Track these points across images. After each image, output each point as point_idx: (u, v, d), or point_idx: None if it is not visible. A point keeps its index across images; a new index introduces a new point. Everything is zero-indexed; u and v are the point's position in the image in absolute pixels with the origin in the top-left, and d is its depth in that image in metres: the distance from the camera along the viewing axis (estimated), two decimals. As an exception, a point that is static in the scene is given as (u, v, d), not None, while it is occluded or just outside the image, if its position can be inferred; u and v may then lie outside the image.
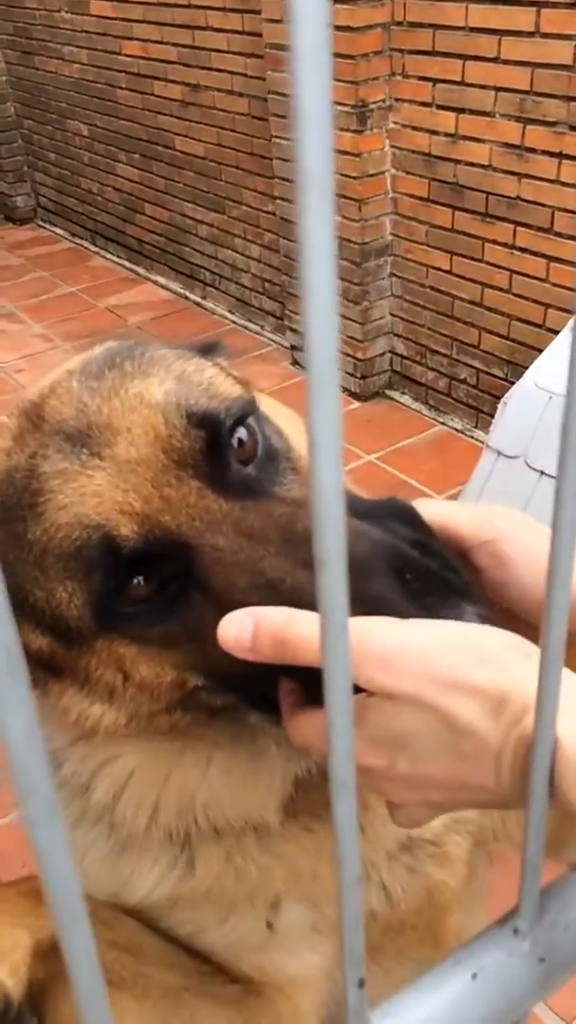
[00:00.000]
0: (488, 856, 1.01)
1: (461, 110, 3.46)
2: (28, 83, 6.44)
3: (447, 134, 3.56)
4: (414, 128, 3.70)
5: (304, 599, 0.53)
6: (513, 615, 0.64)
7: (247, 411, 0.68)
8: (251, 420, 0.68)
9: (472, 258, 3.66)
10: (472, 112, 3.41)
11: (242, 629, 0.53)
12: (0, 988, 0.61)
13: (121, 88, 5.42)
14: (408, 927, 0.90)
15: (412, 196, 3.84)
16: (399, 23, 3.55)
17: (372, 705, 0.50)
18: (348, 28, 3.54)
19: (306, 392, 0.24)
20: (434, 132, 3.61)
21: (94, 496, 0.62)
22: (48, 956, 0.67)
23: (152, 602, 0.63)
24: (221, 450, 0.65)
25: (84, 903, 0.26)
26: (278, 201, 4.37)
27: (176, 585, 0.63)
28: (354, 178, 3.85)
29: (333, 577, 0.27)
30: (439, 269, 3.84)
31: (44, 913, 0.72)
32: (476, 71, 3.32)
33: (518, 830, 0.94)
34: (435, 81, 3.52)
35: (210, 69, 4.62)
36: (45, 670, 0.70)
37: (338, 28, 3.58)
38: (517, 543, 0.63)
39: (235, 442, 0.67)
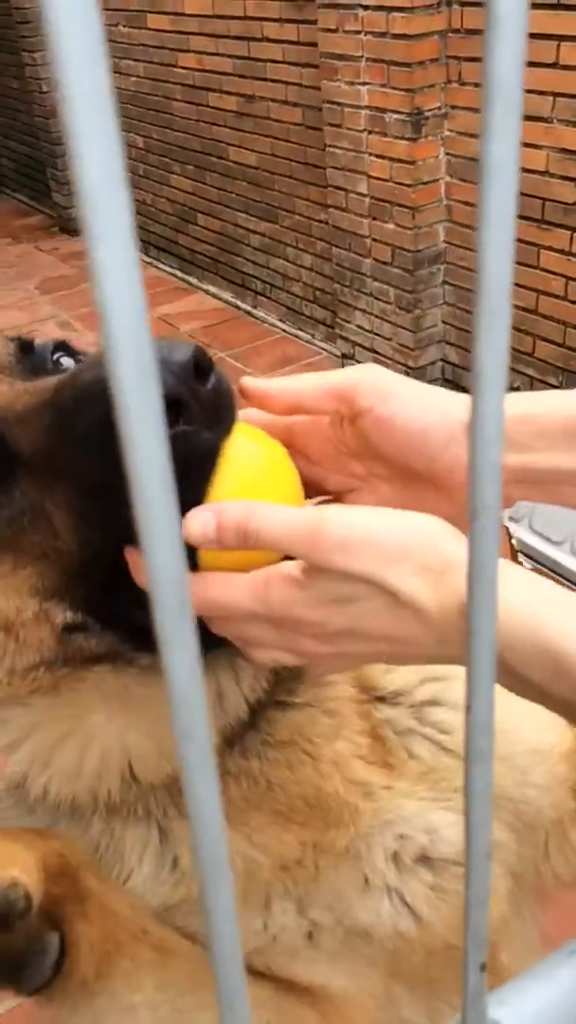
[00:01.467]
0: (538, 898, 0.98)
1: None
2: (84, 97, 6.54)
3: (504, 141, 3.53)
4: (470, 135, 3.68)
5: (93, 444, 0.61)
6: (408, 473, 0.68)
7: (62, 344, 0.83)
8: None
9: (527, 264, 3.63)
10: (529, 118, 3.39)
11: (207, 525, 0.58)
12: (19, 886, 0.60)
13: (176, 100, 5.48)
14: (458, 953, 0.87)
15: (466, 203, 3.82)
16: (456, 30, 3.54)
17: (324, 575, 0.56)
18: (405, 36, 3.54)
19: (474, 324, 0.23)
20: (490, 139, 3.59)
21: None
22: (58, 878, 0.68)
23: None
24: (31, 358, 0.79)
25: (227, 857, 0.26)
26: (331, 210, 4.38)
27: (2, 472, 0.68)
28: (408, 186, 3.84)
29: (487, 526, 0.26)
30: (494, 277, 3.81)
31: (47, 837, 0.74)
32: (534, 77, 3.30)
33: (563, 864, 0.91)
34: (492, 88, 3.49)
35: (265, 80, 4.66)
36: None
37: (395, 36, 3.59)
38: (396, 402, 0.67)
39: (54, 363, 0.80)
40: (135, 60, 5.73)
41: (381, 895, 0.82)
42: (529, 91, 3.33)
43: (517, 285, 3.70)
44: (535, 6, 3.16)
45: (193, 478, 0.60)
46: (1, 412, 0.69)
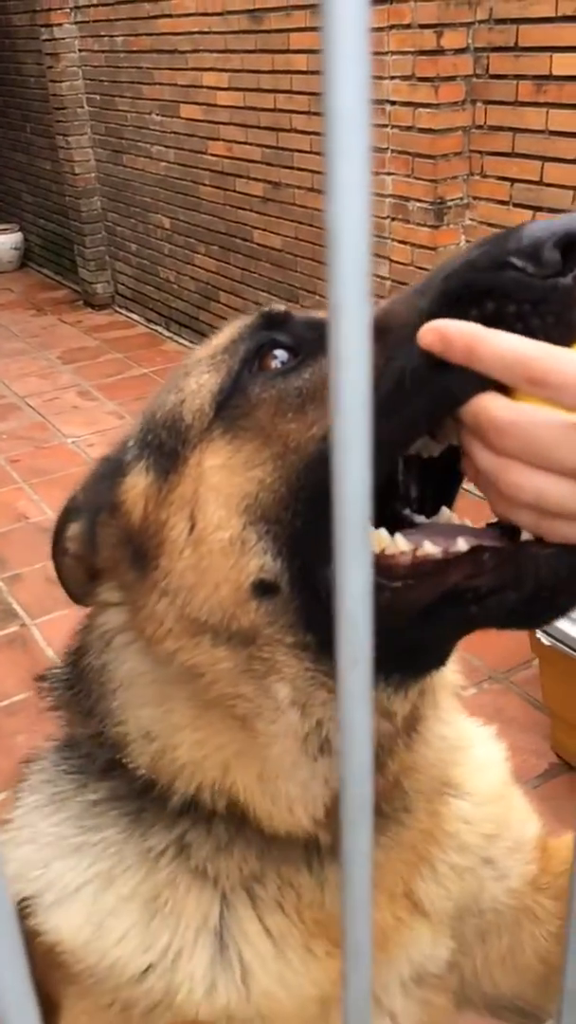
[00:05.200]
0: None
1: (538, 208, 3.56)
2: (115, 179, 6.80)
3: (523, 231, 3.66)
4: (490, 225, 3.81)
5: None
6: None
7: None
8: None
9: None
10: (550, 210, 3.51)
11: (442, 331, 0.53)
12: None
13: (204, 185, 5.70)
14: None
15: (486, 289, 3.92)
16: (479, 126, 3.70)
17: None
18: (430, 131, 3.70)
19: None
20: (510, 229, 3.71)
21: None
22: None
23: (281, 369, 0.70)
24: None
25: (372, 795, 0.26)
26: (352, 291, 4.50)
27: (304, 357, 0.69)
28: (429, 270, 3.94)
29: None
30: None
31: None
32: (555, 172, 3.43)
33: (500, 972, 0.93)
34: (513, 181, 3.64)
35: (291, 168, 4.85)
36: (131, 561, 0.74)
37: (420, 130, 3.75)
38: None
39: None
40: (166, 147, 5.98)
41: (385, 1017, 0.84)
42: (550, 185, 3.47)
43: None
44: (559, 106, 3.31)
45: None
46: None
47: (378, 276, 4.25)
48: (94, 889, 0.78)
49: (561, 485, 0.51)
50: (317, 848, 0.77)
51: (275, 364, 0.71)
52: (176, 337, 6.51)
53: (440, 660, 0.71)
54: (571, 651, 2.16)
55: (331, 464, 0.23)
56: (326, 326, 0.68)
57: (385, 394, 0.56)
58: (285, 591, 0.67)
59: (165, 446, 0.73)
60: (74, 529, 0.83)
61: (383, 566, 0.62)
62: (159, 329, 6.72)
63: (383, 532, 0.64)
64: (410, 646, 0.66)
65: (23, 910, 0.80)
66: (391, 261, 4.15)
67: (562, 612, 0.60)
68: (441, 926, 0.86)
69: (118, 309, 7.31)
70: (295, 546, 0.66)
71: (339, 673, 0.25)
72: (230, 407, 0.70)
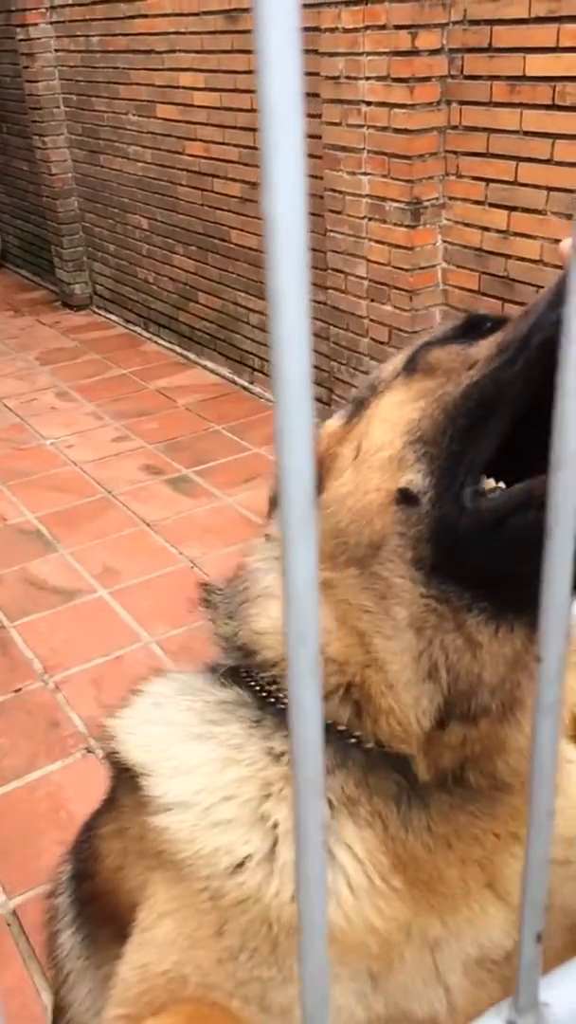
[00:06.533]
0: None
1: (513, 208, 3.59)
2: (92, 180, 6.78)
3: (499, 231, 3.69)
4: (466, 224, 3.83)
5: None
6: None
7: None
8: None
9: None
10: (524, 210, 3.54)
11: None
12: None
13: (182, 185, 5.69)
14: None
15: (463, 288, 3.95)
16: (455, 127, 3.72)
17: None
18: (406, 131, 3.72)
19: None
20: (486, 229, 3.74)
21: None
22: None
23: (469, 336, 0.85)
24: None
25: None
26: (329, 291, 4.51)
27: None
28: (406, 270, 3.97)
29: None
30: (487, 359, 3.92)
31: None
32: (529, 172, 3.46)
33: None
34: (488, 181, 3.66)
35: (269, 168, 4.85)
36: None
37: (396, 131, 3.77)
38: None
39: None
40: (143, 147, 5.97)
41: (441, 991, 0.85)
42: (524, 185, 3.49)
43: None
44: (532, 106, 3.34)
45: None
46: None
47: (356, 276, 4.27)
48: (211, 770, 0.85)
49: None
50: (408, 789, 0.83)
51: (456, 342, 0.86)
52: (155, 338, 6.50)
53: (528, 595, 0.73)
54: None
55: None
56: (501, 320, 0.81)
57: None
58: (425, 504, 0.77)
59: (362, 399, 0.89)
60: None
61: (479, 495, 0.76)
62: (138, 330, 6.71)
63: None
64: (496, 569, 0.75)
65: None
66: (368, 261, 4.17)
67: None
68: (515, 915, 0.87)
69: (96, 310, 7.29)
70: (444, 465, 0.77)
71: (288, 649, 0.25)
72: (414, 362, 0.86)
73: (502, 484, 0.76)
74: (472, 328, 0.88)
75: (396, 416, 0.82)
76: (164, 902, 0.84)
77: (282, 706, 0.85)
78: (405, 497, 0.78)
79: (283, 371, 0.22)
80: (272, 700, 0.86)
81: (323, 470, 0.87)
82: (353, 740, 0.82)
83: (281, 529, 0.24)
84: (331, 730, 0.82)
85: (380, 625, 0.80)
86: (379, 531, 0.79)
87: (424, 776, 0.82)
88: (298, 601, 0.24)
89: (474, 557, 0.75)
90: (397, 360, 0.90)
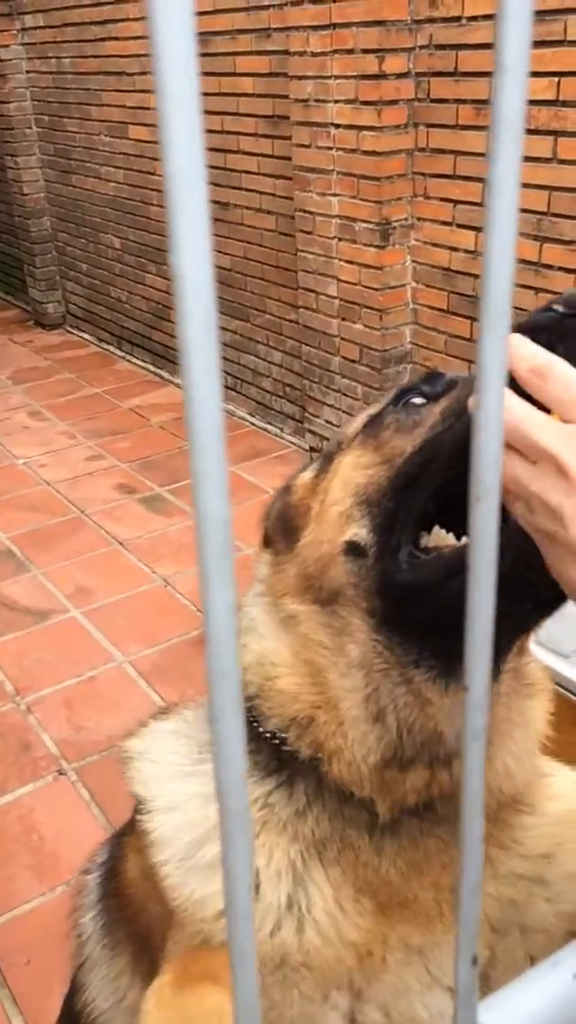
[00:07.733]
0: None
1: (480, 229, 3.62)
2: (65, 199, 6.80)
3: (467, 251, 3.74)
4: (434, 245, 3.88)
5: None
6: None
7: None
8: None
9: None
10: (525, 211, 3.58)
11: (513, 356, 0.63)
12: None
13: (154, 205, 5.72)
14: None
15: (432, 307, 3.99)
16: (422, 149, 3.78)
17: None
18: (375, 153, 3.77)
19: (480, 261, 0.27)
20: (454, 249, 3.79)
21: None
22: None
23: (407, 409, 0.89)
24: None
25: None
26: (301, 310, 4.55)
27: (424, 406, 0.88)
28: (376, 289, 4.01)
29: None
30: (457, 377, 3.96)
31: None
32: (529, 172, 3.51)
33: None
34: (456, 202, 3.71)
35: (240, 189, 4.89)
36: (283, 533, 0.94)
37: (365, 152, 3.81)
38: None
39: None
40: (115, 167, 5.99)
41: (444, 993, 0.88)
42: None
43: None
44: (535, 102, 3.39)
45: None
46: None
47: (327, 295, 4.30)
48: (197, 804, 0.92)
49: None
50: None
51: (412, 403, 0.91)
52: (128, 356, 6.50)
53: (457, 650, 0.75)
54: (569, 693, 2.17)
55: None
56: (454, 381, 0.86)
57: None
58: (371, 557, 0.83)
59: (330, 453, 0.96)
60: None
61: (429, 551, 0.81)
62: (111, 349, 6.71)
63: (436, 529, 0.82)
64: (439, 626, 0.78)
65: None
66: (339, 280, 4.21)
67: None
68: (492, 934, 0.91)
69: (69, 329, 7.28)
70: (384, 524, 0.83)
71: (210, 687, 0.26)
72: (370, 427, 0.91)
73: (451, 536, 0.81)
74: (426, 381, 0.93)
75: (349, 476, 0.88)
76: (170, 948, 0.92)
77: (257, 748, 0.89)
78: (353, 549, 0.84)
79: (196, 420, 0.23)
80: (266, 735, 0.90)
81: (298, 519, 0.94)
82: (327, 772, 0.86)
83: (199, 567, 0.25)
84: (307, 765, 0.86)
85: (335, 660, 0.85)
86: (335, 579, 0.85)
87: (385, 817, 0.85)
88: (217, 639, 0.25)
89: (416, 614, 0.79)
90: (358, 421, 0.97)
